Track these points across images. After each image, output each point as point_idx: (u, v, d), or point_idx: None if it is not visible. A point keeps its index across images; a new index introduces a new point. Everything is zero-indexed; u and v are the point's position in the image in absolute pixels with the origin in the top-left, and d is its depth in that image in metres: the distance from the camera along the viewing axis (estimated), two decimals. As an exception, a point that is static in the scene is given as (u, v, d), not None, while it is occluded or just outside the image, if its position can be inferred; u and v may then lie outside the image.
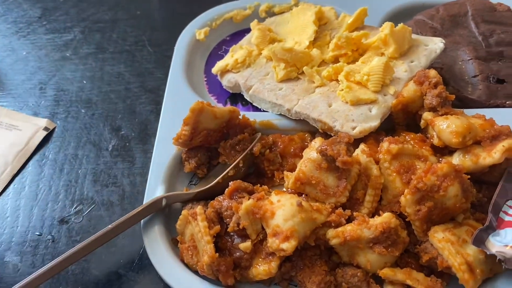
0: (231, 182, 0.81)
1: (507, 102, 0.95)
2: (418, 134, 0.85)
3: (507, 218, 0.75)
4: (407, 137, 0.85)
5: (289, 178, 0.80)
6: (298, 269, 0.76)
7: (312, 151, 0.80)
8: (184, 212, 0.80)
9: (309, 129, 0.92)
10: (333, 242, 0.74)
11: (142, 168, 0.97)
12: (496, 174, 0.79)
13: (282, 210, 0.73)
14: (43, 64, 1.23)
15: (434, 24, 1.09)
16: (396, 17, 1.12)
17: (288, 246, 0.71)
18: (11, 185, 0.98)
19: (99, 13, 1.35)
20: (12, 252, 0.88)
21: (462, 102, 0.95)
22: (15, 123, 1.08)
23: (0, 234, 0.91)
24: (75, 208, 0.94)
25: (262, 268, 0.75)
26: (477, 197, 0.79)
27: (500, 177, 0.79)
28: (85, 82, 1.18)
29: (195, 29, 1.13)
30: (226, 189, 0.80)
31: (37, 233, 0.91)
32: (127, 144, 1.03)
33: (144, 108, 1.10)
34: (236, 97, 1.05)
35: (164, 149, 0.92)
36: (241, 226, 0.75)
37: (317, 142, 0.82)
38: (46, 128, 1.08)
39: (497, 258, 0.69)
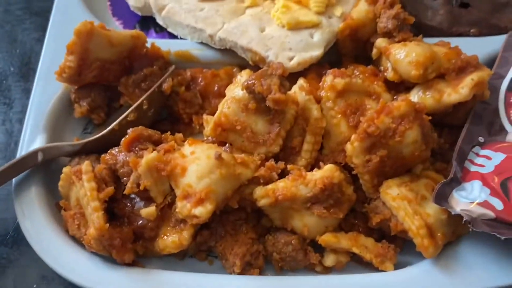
0: (131, 129, 0.69)
1: (472, 30, 0.87)
2: (369, 67, 0.77)
3: (473, 168, 0.67)
4: (355, 71, 0.77)
5: (209, 123, 0.71)
6: (218, 237, 0.68)
7: (237, 88, 0.70)
8: (65, 169, 0.69)
9: (238, 62, 0.82)
10: (262, 203, 0.65)
11: (23, 113, 0.84)
12: (461, 115, 0.72)
13: (196, 165, 0.63)
14: None
15: None
16: None
17: (203, 211, 0.61)
18: None
19: None
20: None
21: (420, 30, 0.86)
22: None
23: None
24: None
25: (171, 240, 0.65)
26: (438, 143, 0.72)
27: (465, 119, 0.72)
28: (-50, 1, 1.02)
29: None
30: (123, 139, 0.69)
31: None
32: (4, 81, 0.90)
33: (28, 36, 0.96)
34: (148, 22, 0.93)
35: (47, 88, 0.79)
36: (141, 187, 0.65)
37: (244, 75, 0.74)
38: None
39: (463, 219, 0.59)
